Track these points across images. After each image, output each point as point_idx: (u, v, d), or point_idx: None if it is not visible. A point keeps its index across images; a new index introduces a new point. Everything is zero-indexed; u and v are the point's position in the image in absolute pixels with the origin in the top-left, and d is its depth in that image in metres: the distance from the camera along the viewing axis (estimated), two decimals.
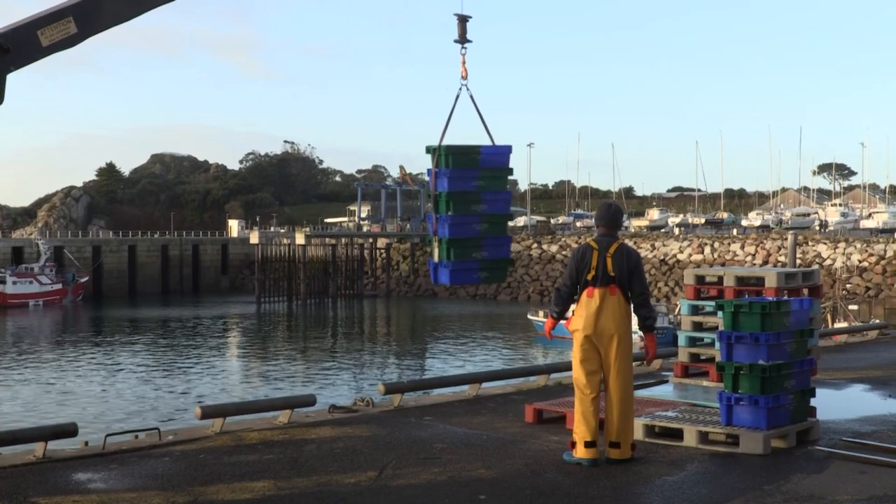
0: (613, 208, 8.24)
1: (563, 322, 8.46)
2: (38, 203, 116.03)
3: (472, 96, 9.03)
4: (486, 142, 8.88)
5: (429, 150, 8.92)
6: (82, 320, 64.14)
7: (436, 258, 8.95)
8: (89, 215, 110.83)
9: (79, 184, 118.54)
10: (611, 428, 7.75)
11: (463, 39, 9.14)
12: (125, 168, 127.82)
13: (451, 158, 8.79)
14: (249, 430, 9.14)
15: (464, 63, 9.06)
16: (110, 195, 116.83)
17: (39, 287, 72.79)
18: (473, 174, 8.92)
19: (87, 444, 8.75)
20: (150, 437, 8.79)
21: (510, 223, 9.78)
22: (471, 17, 9.21)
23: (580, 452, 7.70)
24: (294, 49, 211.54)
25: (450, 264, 8.83)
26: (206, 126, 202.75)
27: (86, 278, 78.68)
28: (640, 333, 8.09)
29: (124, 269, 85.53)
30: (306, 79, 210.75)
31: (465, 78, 9.03)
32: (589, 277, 7.83)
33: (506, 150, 9.20)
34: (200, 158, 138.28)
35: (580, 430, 7.71)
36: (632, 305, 7.91)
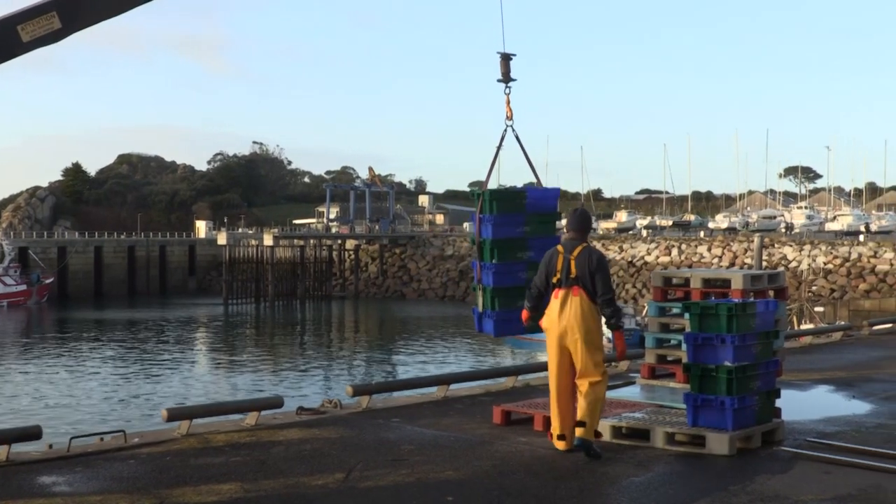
0: (579, 212, 8.37)
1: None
2: (3, 203, 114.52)
3: (517, 136, 8.61)
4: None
5: (474, 193, 8.58)
6: (47, 322, 63.45)
7: (480, 307, 8.67)
8: (55, 216, 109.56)
9: (44, 184, 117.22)
10: (578, 410, 8.01)
11: (507, 78, 8.66)
12: (91, 168, 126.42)
13: (495, 204, 8.46)
14: (216, 432, 9.09)
15: (508, 103, 8.63)
16: (76, 196, 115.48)
17: (4, 288, 71.99)
18: (519, 219, 8.60)
19: (51, 446, 8.68)
20: (116, 439, 8.71)
21: None
22: (515, 55, 8.68)
23: (554, 443, 8.16)
24: (262, 49, 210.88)
25: (494, 314, 8.54)
26: (173, 126, 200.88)
27: (51, 279, 77.88)
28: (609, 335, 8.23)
29: (90, 270, 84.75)
30: (275, 79, 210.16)
31: (510, 118, 8.63)
32: (555, 280, 8.05)
33: (553, 194, 8.86)
34: (168, 159, 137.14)
35: (552, 424, 8.17)
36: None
